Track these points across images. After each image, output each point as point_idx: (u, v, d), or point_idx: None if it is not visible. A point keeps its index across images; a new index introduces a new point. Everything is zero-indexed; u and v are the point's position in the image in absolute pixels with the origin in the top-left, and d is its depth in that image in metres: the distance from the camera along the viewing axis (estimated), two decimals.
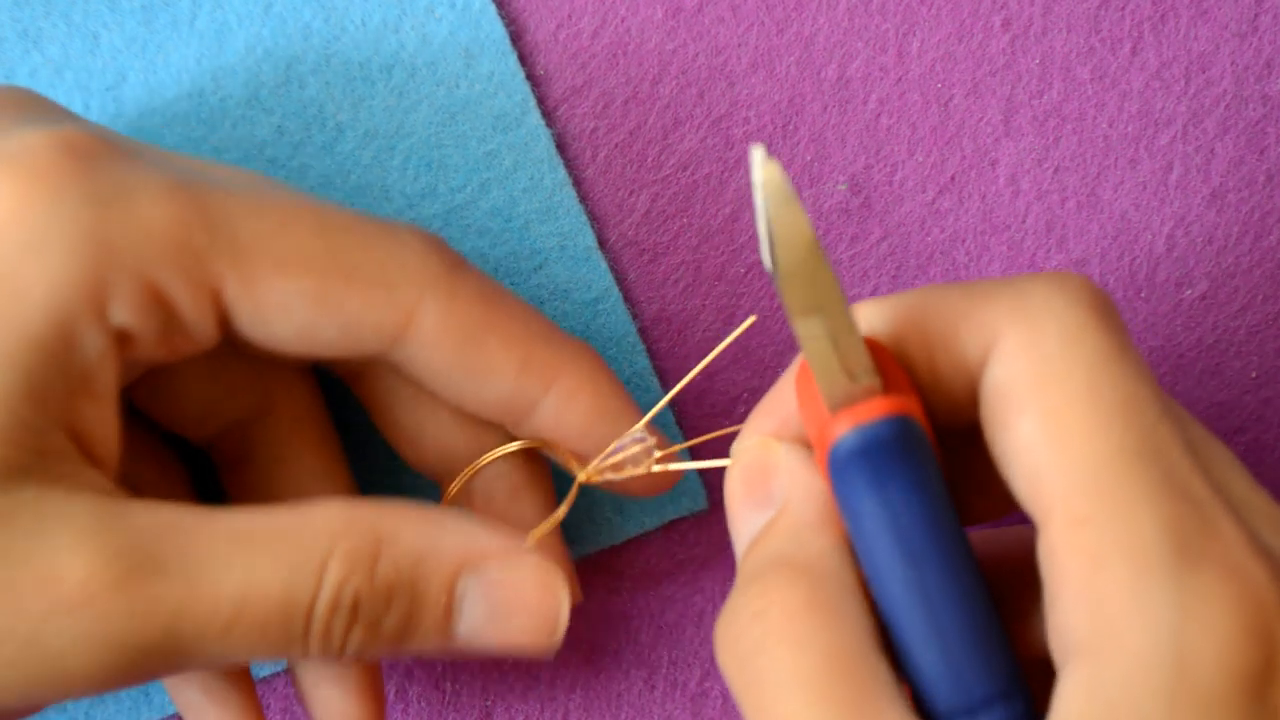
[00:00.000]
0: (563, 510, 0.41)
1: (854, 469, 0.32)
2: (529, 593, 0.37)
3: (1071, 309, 0.32)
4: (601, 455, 0.40)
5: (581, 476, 0.41)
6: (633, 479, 0.41)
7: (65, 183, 0.34)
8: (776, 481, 0.34)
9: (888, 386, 0.32)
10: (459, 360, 0.38)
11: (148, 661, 0.33)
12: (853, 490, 0.32)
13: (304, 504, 0.36)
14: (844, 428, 0.32)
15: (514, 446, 0.41)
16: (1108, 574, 0.30)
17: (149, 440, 0.41)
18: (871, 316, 0.34)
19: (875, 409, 0.32)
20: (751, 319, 0.38)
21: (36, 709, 0.35)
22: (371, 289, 0.37)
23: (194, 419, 0.40)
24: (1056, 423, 0.31)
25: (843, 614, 0.32)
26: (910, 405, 0.32)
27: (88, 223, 0.34)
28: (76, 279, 0.34)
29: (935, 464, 0.32)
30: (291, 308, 0.36)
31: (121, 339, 0.35)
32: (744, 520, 0.35)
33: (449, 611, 0.36)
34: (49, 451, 0.33)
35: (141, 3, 0.45)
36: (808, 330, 0.32)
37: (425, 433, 0.40)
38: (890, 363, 0.33)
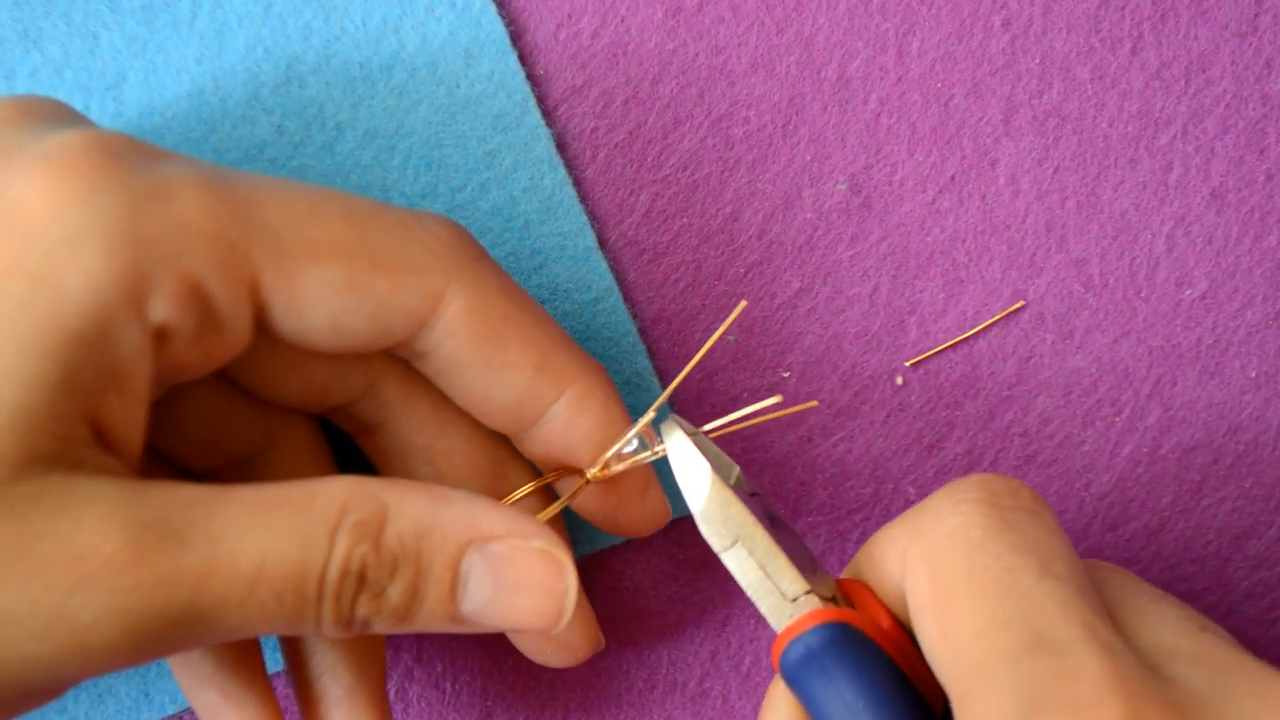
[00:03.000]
0: (563, 501, 0.41)
1: (798, 674, 0.37)
2: (535, 572, 0.37)
3: (956, 510, 0.36)
4: (611, 450, 0.40)
5: (591, 473, 0.41)
6: (628, 520, 0.42)
7: (102, 180, 0.34)
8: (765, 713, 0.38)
9: (857, 607, 0.38)
10: (479, 352, 0.39)
11: (171, 632, 0.34)
12: (804, 691, 0.36)
13: (314, 480, 0.36)
14: (783, 643, 0.37)
15: (526, 490, 0.42)
16: None
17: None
18: (844, 572, 0.40)
19: (810, 620, 0.37)
20: (743, 304, 0.39)
21: (63, 687, 0.35)
22: (401, 274, 0.38)
23: (197, 452, 0.41)
24: (945, 613, 0.35)
25: None
26: (842, 614, 0.37)
27: (126, 218, 0.34)
28: (115, 273, 0.34)
29: (875, 655, 0.37)
30: (325, 295, 0.37)
31: (159, 336, 0.35)
32: None
33: (453, 587, 0.37)
34: (74, 439, 0.34)
35: (141, 3, 0.45)
36: (734, 561, 0.38)
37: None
38: (859, 590, 0.38)
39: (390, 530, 0.36)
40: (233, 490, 0.35)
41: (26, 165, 0.34)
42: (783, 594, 0.38)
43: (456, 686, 0.46)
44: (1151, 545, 0.46)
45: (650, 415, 0.40)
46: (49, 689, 0.34)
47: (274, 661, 0.45)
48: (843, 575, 0.40)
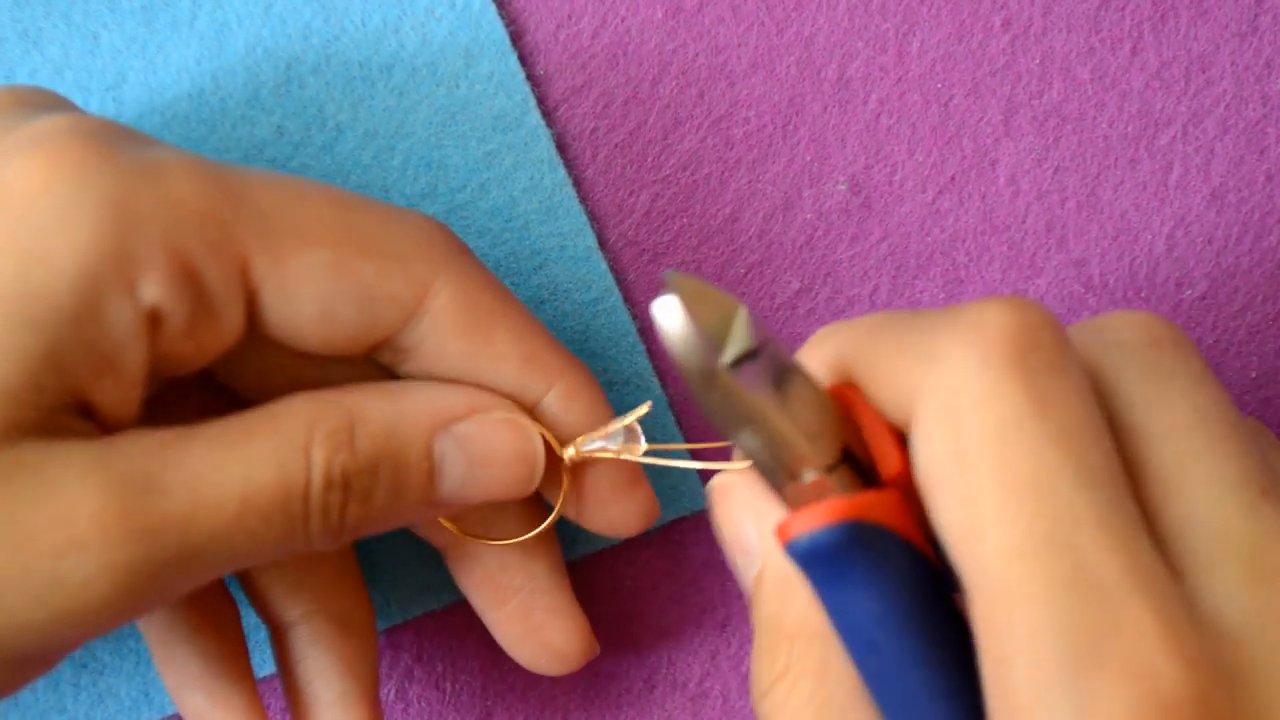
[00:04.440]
0: (553, 518, 0.41)
1: (806, 569, 0.32)
2: (502, 440, 0.39)
3: (983, 373, 0.30)
4: (598, 433, 0.40)
5: (569, 454, 0.40)
6: (618, 514, 0.42)
7: (92, 159, 0.35)
8: (750, 539, 0.35)
9: (862, 432, 0.32)
10: (466, 346, 0.39)
11: (165, 577, 0.34)
12: (815, 581, 0.32)
13: (272, 404, 0.37)
14: (790, 532, 0.32)
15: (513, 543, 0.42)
16: (1010, 680, 0.29)
17: None
18: (814, 363, 0.34)
19: (818, 516, 0.31)
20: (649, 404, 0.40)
21: (64, 651, 0.35)
22: (389, 260, 0.38)
23: None
24: (967, 510, 0.30)
25: (830, 675, 0.33)
26: (858, 507, 0.31)
27: (116, 195, 0.34)
28: (105, 249, 0.34)
29: (895, 557, 0.31)
30: (315, 278, 0.37)
31: (152, 319, 0.35)
32: (736, 563, 0.36)
33: (431, 473, 0.38)
34: (54, 409, 0.34)
35: (141, 3, 0.45)
36: (740, 443, 0.32)
37: None
38: (857, 401, 0.33)
39: (361, 433, 0.36)
40: (199, 429, 0.35)
41: (16, 148, 0.35)
42: (790, 474, 0.32)
43: (456, 686, 0.46)
44: None
45: (642, 411, 0.40)
46: (49, 656, 0.35)
47: (268, 664, 0.45)
48: (828, 375, 0.34)
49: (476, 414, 0.38)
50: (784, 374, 0.32)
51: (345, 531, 0.37)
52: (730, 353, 0.31)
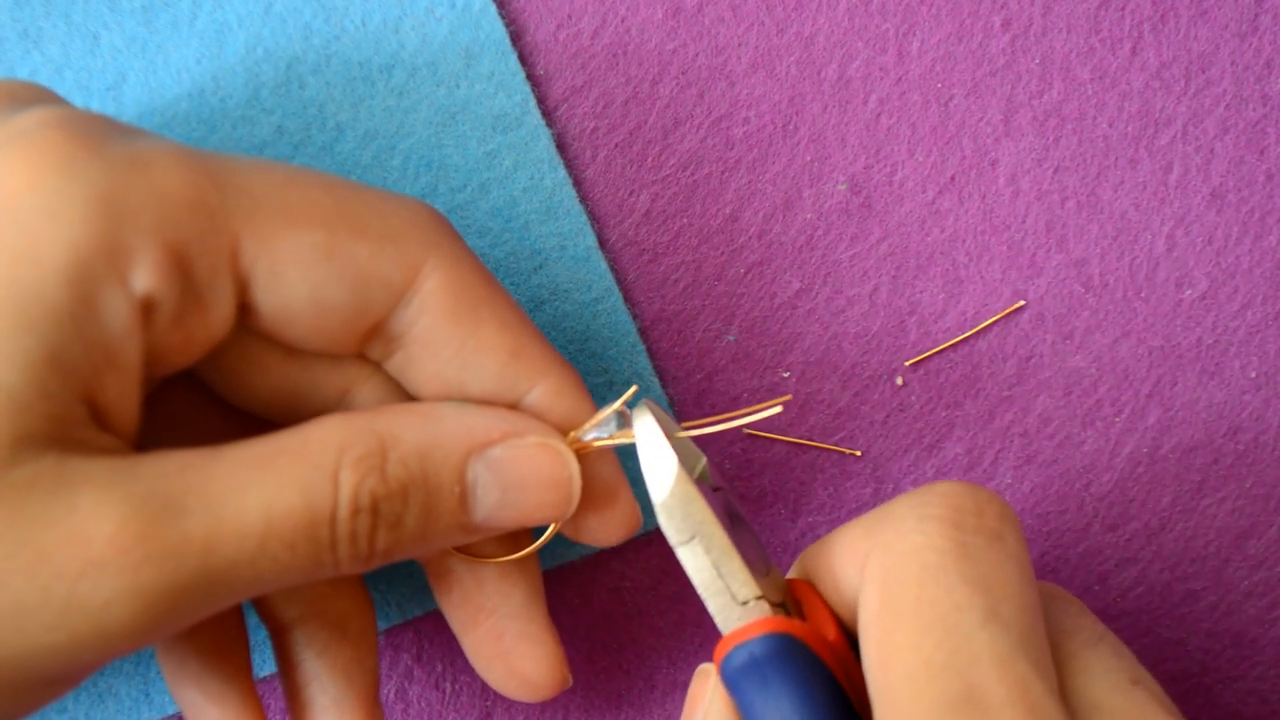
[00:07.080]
0: (549, 534, 0.41)
1: (737, 684, 0.36)
2: (538, 466, 0.38)
3: (919, 528, 0.35)
4: (591, 422, 0.40)
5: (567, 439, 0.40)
6: (598, 522, 0.41)
7: (78, 152, 0.34)
8: (700, 707, 0.38)
9: (805, 613, 0.37)
10: (455, 331, 0.38)
11: (187, 602, 0.34)
12: (741, 697, 0.36)
13: (304, 425, 0.36)
14: (728, 646, 0.36)
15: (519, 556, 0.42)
16: None
17: None
18: (793, 568, 0.39)
19: (755, 628, 0.36)
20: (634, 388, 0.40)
21: (85, 674, 0.35)
22: (380, 241, 0.37)
23: None
24: (886, 642, 0.34)
25: None
26: (789, 625, 0.36)
27: (104, 187, 0.34)
28: (95, 242, 0.34)
29: (816, 670, 0.36)
30: (306, 261, 0.36)
31: (145, 309, 0.35)
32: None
33: (464, 499, 0.37)
34: (67, 419, 0.33)
35: (141, 3, 0.45)
36: (689, 557, 0.37)
37: None
38: (808, 594, 0.38)
39: (393, 458, 0.36)
40: (224, 450, 0.35)
41: (1, 144, 0.34)
42: (733, 596, 0.37)
43: (456, 686, 0.46)
44: (1151, 545, 0.46)
45: (629, 395, 0.40)
46: (70, 677, 0.34)
47: (271, 663, 0.45)
48: (792, 573, 0.39)
49: (510, 438, 0.38)
50: (739, 521, 0.39)
51: (375, 557, 0.36)
52: (695, 471, 0.38)
